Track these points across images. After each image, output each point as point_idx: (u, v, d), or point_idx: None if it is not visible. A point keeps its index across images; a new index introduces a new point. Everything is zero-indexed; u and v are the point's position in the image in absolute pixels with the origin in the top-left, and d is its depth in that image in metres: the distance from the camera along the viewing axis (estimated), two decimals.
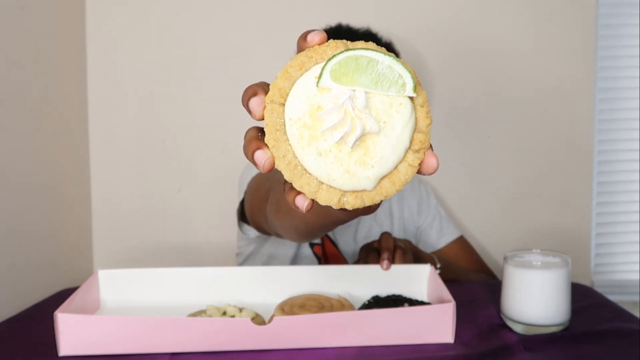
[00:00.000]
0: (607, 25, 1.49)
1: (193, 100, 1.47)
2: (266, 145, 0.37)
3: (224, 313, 0.80)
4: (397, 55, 1.17)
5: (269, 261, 1.17)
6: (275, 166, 0.37)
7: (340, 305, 0.81)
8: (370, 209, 0.40)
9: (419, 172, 0.39)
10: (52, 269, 1.24)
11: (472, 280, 1.11)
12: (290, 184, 0.38)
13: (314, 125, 0.36)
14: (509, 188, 1.52)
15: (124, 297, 0.88)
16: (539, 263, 0.81)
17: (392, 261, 0.91)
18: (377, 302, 0.84)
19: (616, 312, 0.88)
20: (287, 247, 1.16)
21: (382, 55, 0.37)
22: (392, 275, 0.91)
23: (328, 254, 1.18)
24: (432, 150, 0.39)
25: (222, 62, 1.46)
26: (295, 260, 1.17)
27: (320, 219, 0.51)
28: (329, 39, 0.38)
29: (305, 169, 0.37)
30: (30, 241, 1.15)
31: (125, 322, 0.71)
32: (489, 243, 1.51)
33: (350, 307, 0.81)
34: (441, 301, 0.80)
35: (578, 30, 1.48)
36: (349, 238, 1.20)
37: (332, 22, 1.18)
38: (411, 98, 0.37)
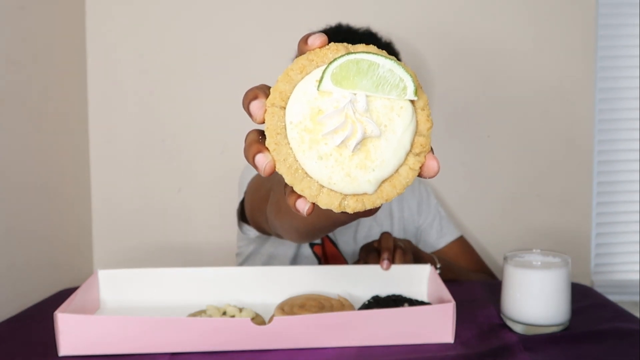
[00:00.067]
0: (607, 25, 1.49)
1: (193, 100, 1.47)
2: (267, 148, 0.37)
3: (224, 313, 0.80)
4: (397, 55, 1.17)
5: (269, 261, 1.17)
6: (276, 170, 0.37)
7: (340, 305, 0.81)
8: (370, 212, 0.40)
9: (419, 175, 0.39)
10: (52, 269, 1.24)
11: (472, 280, 1.11)
12: (291, 187, 0.38)
13: (315, 128, 0.36)
14: (509, 188, 1.52)
15: (124, 297, 0.88)
16: (539, 263, 0.81)
17: (392, 261, 0.91)
18: (377, 302, 0.84)
19: (616, 312, 0.88)
20: (287, 247, 1.16)
21: (383, 58, 0.36)
22: (392, 275, 0.91)
23: (328, 254, 1.18)
24: (433, 153, 0.39)
25: (222, 62, 1.46)
26: (295, 260, 1.17)
27: (321, 220, 0.51)
28: (329, 38, 0.38)
29: (306, 173, 0.37)
30: (30, 241, 1.15)
31: (125, 322, 0.71)
32: (489, 243, 1.51)
33: (350, 307, 0.81)
34: (441, 301, 0.80)
35: (578, 30, 1.48)
36: (349, 238, 1.20)
37: (332, 22, 1.18)
38: (412, 101, 0.37)
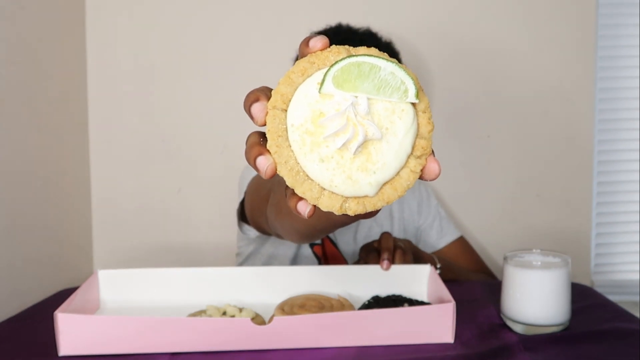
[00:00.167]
0: (607, 25, 1.49)
1: (193, 100, 1.47)
2: (268, 151, 0.37)
3: (224, 313, 0.80)
4: (397, 54, 1.17)
5: (269, 261, 1.17)
6: (277, 172, 0.37)
7: (340, 305, 0.81)
8: (371, 214, 0.40)
9: (420, 177, 0.39)
10: (52, 268, 1.24)
11: (472, 280, 1.11)
12: (292, 189, 0.38)
13: (316, 131, 0.36)
14: (509, 188, 1.52)
15: (124, 297, 0.88)
16: (539, 263, 0.81)
17: (392, 261, 0.91)
18: (377, 302, 0.84)
19: (616, 312, 0.88)
20: (287, 247, 1.16)
21: (384, 61, 0.36)
22: (392, 275, 0.91)
23: (328, 254, 1.18)
24: (434, 156, 0.39)
25: (222, 62, 1.46)
26: (295, 261, 1.17)
27: (321, 222, 0.51)
28: (329, 39, 0.38)
29: (307, 175, 0.37)
30: (30, 241, 1.15)
31: (125, 322, 0.71)
32: (489, 243, 1.51)
33: (350, 307, 0.81)
34: (441, 301, 0.80)
35: (578, 30, 1.48)
36: (349, 238, 1.20)
37: (332, 23, 1.18)
38: (413, 104, 0.37)
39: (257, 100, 0.38)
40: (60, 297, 0.86)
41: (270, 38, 1.46)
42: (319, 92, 0.36)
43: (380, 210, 0.39)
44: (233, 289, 0.88)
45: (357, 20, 1.19)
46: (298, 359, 0.71)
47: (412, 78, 0.36)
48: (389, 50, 1.15)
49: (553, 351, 0.73)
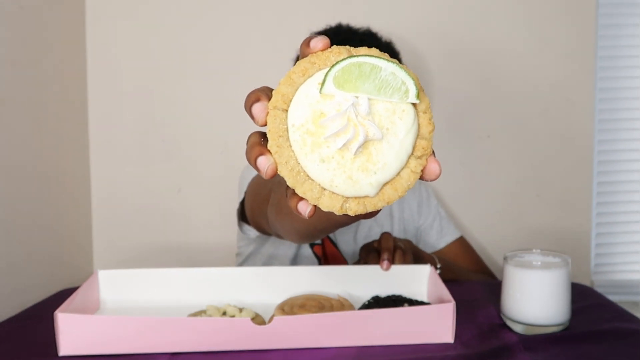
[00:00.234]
0: (607, 25, 1.49)
1: (193, 100, 1.47)
2: (269, 151, 0.37)
3: (224, 313, 0.80)
4: (397, 54, 1.17)
5: (269, 261, 1.17)
6: (278, 172, 0.37)
7: (340, 305, 0.81)
8: (372, 214, 0.40)
9: (421, 178, 0.39)
10: (52, 268, 1.24)
11: (472, 280, 1.11)
12: (293, 189, 0.38)
13: (317, 131, 0.36)
14: (508, 188, 1.52)
15: (124, 297, 0.88)
16: (539, 263, 0.81)
17: (392, 261, 0.91)
18: (377, 302, 0.84)
19: (616, 312, 0.88)
20: (287, 247, 1.16)
21: (385, 61, 0.37)
22: (392, 275, 0.91)
23: (328, 254, 1.18)
24: (435, 156, 0.39)
25: (222, 61, 1.46)
26: (295, 261, 1.17)
27: (322, 222, 0.51)
28: (330, 39, 0.38)
29: (307, 175, 0.37)
30: (30, 241, 1.15)
31: (125, 322, 0.71)
32: (489, 243, 1.51)
33: (350, 307, 0.81)
34: (441, 301, 0.80)
35: (578, 30, 1.48)
36: (349, 238, 1.20)
37: (332, 23, 1.18)
38: (414, 104, 0.37)
39: (257, 100, 0.38)
40: (60, 297, 0.86)
41: (270, 38, 1.46)
42: (320, 92, 0.36)
43: (380, 210, 0.39)
44: (233, 289, 0.88)
45: (357, 20, 1.19)
46: (298, 359, 0.71)
47: (413, 78, 0.36)
48: (389, 50, 1.15)
49: (553, 351, 0.73)
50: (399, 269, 0.92)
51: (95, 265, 1.48)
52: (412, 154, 0.38)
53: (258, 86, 0.39)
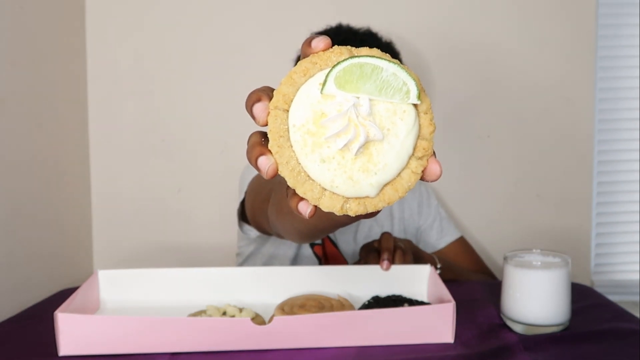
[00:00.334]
0: (607, 25, 1.49)
1: (193, 100, 1.47)
2: (269, 151, 0.37)
3: (224, 313, 0.80)
4: (397, 54, 1.17)
5: (270, 261, 1.17)
6: (279, 172, 0.37)
7: (340, 305, 0.81)
8: (372, 214, 0.40)
9: (421, 178, 0.39)
10: (52, 268, 1.24)
11: (472, 280, 1.11)
12: (293, 190, 0.38)
13: (318, 132, 0.36)
14: (508, 188, 1.52)
15: (124, 297, 0.88)
16: (539, 263, 0.81)
17: (392, 261, 0.91)
18: (377, 302, 0.84)
19: (616, 312, 0.88)
20: (288, 247, 1.16)
21: (386, 62, 0.36)
22: (392, 275, 0.91)
23: (328, 254, 1.18)
24: (436, 157, 0.39)
25: (222, 61, 1.46)
26: (295, 261, 1.17)
27: (322, 222, 0.51)
28: (330, 39, 0.38)
29: (308, 176, 0.37)
30: (30, 241, 1.15)
31: (125, 322, 0.71)
32: (489, 243, 1.51)
33: (350, 307, 0.81)
34: (441, 301, 0.80)
35: (578, 30, 1.48)
36: (349, 238, 1.20)
37: (333, 23, 1.18)
38: (415, 105, 0.37)
39: (258, 100, 0.38)
40: (60, 297, 0.86)
41: (270, 38, 1.45)
42: (321, 92, 0.36)
43: (381, 210, 0.39)
44: (233, 289, 0.88)
45: (357, 20, 1.19)
46: (298, 359, 0.71)
47: (414, 79, 0.36)
48: (390, 50, 1.15)
49: (553, 351, 0.73)
50: (399, 269, 0.92)
51: (95, 265, 1.48)
52: (412, 154, 0.38)
53: (259, 86, 0.39)
